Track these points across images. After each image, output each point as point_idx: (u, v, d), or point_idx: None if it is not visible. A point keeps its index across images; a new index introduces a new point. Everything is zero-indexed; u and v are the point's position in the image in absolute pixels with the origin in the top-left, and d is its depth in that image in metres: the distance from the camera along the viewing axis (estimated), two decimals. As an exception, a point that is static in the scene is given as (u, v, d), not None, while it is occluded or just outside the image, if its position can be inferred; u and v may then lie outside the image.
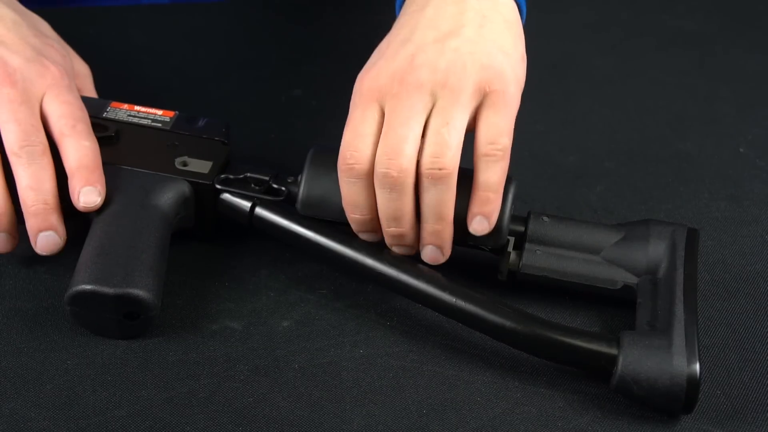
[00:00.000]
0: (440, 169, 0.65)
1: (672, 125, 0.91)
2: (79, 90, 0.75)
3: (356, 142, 0.66)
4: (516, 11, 0.73)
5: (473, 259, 0.75)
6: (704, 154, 0.88)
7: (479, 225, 0.68)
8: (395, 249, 0.70)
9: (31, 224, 0.69)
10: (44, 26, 0.79)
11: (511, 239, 0.72)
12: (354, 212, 0.68)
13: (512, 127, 0.68)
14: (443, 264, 0.72)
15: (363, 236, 0.70)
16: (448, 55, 0.68)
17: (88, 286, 0.66)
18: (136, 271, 0.67)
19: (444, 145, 0.65)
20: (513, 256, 0.71)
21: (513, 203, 0.71)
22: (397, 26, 0.73)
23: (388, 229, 0.68)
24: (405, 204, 0.67)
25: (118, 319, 0.67)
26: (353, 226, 0.70)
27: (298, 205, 0.72)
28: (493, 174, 0.67)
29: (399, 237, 0.68)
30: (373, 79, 0.68)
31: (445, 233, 0.68)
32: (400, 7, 0.76)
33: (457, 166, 0.66)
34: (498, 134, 0.67)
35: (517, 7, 0.73)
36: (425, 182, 0.66)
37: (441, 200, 0.66)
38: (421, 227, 0.68)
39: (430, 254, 0.70)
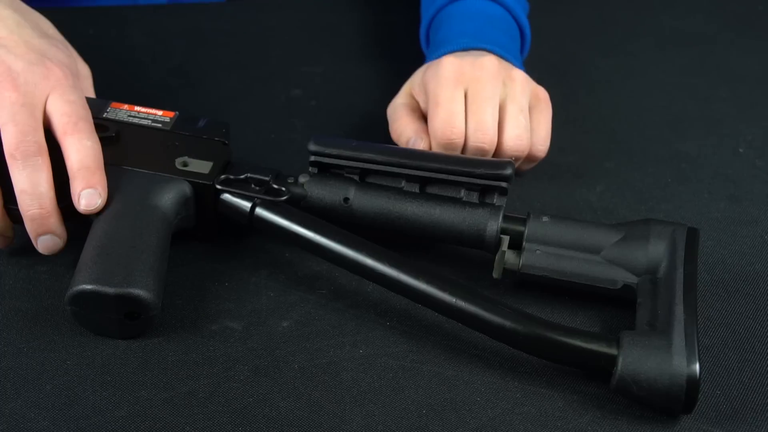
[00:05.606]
0: (523, 148, 0.79)
1: (672, 125, 0.91)
2: (78, 91, 0.75)
3: (452, 119, 0.78)
4: None
5: (473, 259, 0.75)
6: (704, 154, 0.88)
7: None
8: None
9: (29, 228, 0.69)
10: (48, 26, 0.79)
11: (506, 238, 0.72)
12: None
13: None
14: (443, 264, 0.72)
15: None
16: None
17: (89, 286, 0.66)
18: (137, 271, 0.67)
19: (524, 129, 0.79)
20: (509, 255, 0.71)
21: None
22: None
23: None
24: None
25: (119, 319, 0.67)
26: None
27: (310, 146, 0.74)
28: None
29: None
30: (453, 63, 0.81)
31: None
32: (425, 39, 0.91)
33: (530, 144, 0.80)
34: (545, 138, 0.81)
35: None
36: (508, 154, 0.79)
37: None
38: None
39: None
